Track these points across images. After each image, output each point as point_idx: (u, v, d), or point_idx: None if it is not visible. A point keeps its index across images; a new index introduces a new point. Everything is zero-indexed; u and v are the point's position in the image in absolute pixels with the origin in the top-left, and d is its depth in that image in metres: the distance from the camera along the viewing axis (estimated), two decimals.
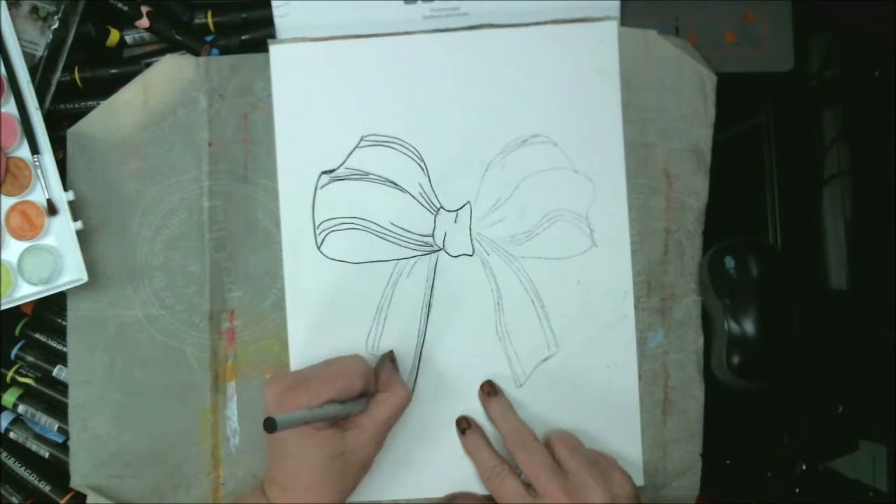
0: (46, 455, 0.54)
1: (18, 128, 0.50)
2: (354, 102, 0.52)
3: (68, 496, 0.53)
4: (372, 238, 0.52)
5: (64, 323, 0.53)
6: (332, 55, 0.52)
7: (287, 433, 0.45)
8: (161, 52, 0.54)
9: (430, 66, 0.52)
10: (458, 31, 0.52)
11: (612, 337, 0.52)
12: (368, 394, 0.48)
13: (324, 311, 0.52)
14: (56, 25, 0.53)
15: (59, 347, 0.54)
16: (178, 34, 0.54)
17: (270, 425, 0.40)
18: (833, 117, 0.57)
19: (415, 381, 0.52)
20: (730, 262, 0.51)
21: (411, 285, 0.52)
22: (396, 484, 0.52)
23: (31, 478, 0.53)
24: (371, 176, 0.52)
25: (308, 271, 0.52)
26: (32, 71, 0.52)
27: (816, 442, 0.54)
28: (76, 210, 0.52)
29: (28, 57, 0.52)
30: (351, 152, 0.52)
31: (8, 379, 0.54)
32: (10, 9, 0.51)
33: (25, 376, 0.54)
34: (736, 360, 0.51)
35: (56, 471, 0.54)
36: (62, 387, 0.54)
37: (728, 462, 0.54)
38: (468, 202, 0.52)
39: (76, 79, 0.54)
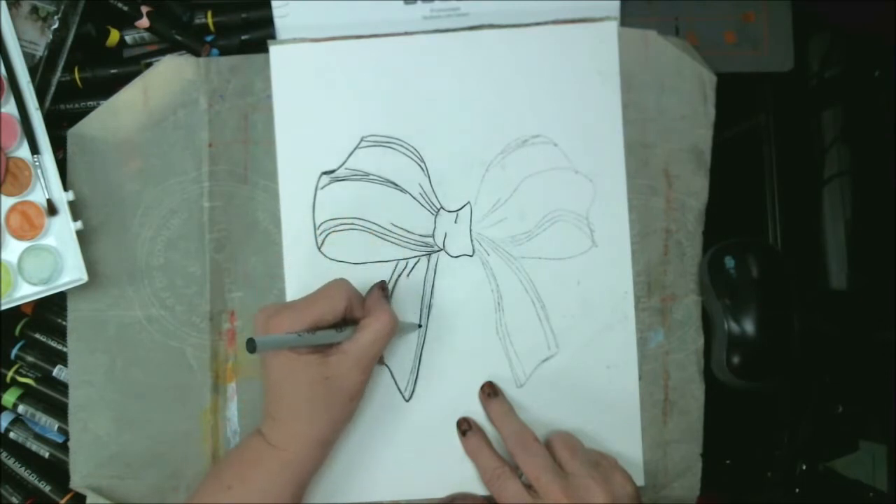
0: (46, 455, 0.54)
1: (18, 128, 0.50)
2: (354, 103, 0.52)
3: (68, 496, 0.53)
4: (372, 239, 0.52)
5: (64, 323, 0.53)
6: (332, 55, 0.52)
7: (273, 360, 0.45)
8: (161, 52, 0.54)
9: (430, 66, 0.52)
10: (458, 32, 0.52)
11: (613, 337, 0.52)
12: (355, 320, 0.47)
13: None
14: (56, 25, 0.53)
15: (59, 347, 0.54)
16: (178, 34, 0.54)
17: (251, 346, 0.41)
18: (833, 117, 0.57)
19: (415, 382, 0.52)
20: (730, 262, 0.51)
21: (411, 286, 0.52)
22: (396, 484, 0.52)
23: (31, 478, 0.53)
24: (371, 176, 0.52)
25: (308, 272, 0.52)
26: (32, 71, 0.52)
27: (816, 442, 0.54)
28: (76, 210, 0.52)
29: (28, 57, 0.52)
30: (351, 153, 0.52)
31: (8, 379, 0.54)
32: (10, 9, 0.51)
33: (25, 376, 0.54)
34: (736, 360, 0.51)
35: (56, 471, 0.54)
36: (62, 387, 0.53)
37: (728, 462, 0.54)
38: (468, 202, 0.52)
39: (76, 79, 0.54)
